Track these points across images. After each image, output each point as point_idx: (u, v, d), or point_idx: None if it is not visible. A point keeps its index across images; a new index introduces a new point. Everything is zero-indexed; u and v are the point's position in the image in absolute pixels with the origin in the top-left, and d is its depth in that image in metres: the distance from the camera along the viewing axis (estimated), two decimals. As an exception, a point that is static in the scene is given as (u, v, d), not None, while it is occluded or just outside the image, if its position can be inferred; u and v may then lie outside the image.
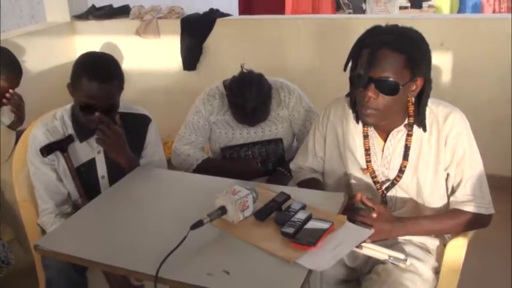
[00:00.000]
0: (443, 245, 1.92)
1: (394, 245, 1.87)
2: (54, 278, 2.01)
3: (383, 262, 1.79)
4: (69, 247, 1.62)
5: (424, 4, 7.62)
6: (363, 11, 7.06)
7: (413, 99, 1.79)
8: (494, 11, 6.63)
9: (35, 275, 2.30)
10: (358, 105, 1.77)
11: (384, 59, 1.65)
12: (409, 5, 7.50)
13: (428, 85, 1.75)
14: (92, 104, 1.98)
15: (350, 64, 1.78)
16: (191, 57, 4.33)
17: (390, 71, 1.65)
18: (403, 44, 1.66)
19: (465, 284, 1.95)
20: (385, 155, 1.87)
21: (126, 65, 4.04)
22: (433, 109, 1.82)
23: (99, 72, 1.98)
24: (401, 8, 7.34)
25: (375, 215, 1.75)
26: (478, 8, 6.91)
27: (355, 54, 1.74)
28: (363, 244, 1.74)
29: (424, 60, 1.70)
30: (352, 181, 1.97)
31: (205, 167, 2.44)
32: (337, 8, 7.35)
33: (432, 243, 1.92)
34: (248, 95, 2.32)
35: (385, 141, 1.87)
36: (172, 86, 4.47)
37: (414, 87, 1.73)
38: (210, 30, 4.25)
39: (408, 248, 1.86)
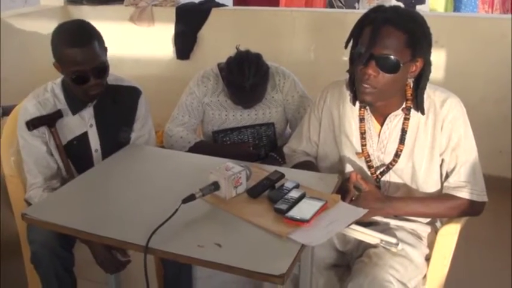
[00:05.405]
0: (435, 232, 1.91)
1: (385, 230, 1.86)
2: (39, 253, 1.96)
3: (374, 246, 1.79)
4: (57, 217, 1.59)
5: (418, 7, 7.60)
6: (356, 10, 7.04)
7: (411, 82, 1.78)
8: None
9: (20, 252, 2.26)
10: (356, 83, 1.75)
11: (386, 36, 1.63)
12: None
13: (427, 67, 1.74)
14: (82, 72, 1.94)
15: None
16: (185, 46, 4.30)
17: (392, 49, 1.64)
18: (406, 22, 1.65)
19: (454, 275, 1.95)
20: (381, 139, 1.86)
21: (119, 52, 3.97)
22: (430, 94, 1.80)
23: (76, 38, 1.95)
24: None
25: (367, 189, 1.77)
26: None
27: (357, 32, 1.72)
28: (355, 227, 1.73)
29: (425, 41, 1.69)
30: (346, 165, 1.95)
31: (197, 150, 2.41)
32: (330, 6, 7.33)
33: (424, 230, 1.91)
34: (247, 73, 2.29)
35: (381, 125, 1.85)
36: (164, 74, 4.42)
37: (414, 68, 1.71)
38: (205, 19, 4.22)
39: (400, 234, 1.85)
